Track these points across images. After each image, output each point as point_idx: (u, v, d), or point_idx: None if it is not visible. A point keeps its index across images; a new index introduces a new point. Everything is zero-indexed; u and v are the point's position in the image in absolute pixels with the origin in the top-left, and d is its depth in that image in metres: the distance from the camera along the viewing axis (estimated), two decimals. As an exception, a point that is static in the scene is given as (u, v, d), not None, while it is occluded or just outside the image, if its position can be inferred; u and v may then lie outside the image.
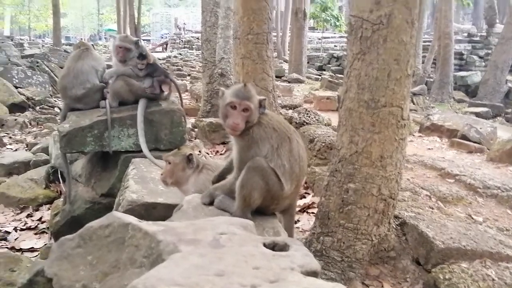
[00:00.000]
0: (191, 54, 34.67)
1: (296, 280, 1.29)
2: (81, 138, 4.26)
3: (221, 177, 2.78)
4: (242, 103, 2.40)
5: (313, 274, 1.43)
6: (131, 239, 1.64)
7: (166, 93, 4.76)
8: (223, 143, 7.73)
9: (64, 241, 1.73)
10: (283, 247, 1.58)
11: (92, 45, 4.88)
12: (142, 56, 4.57)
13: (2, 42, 22.06)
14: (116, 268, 1.57)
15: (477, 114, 13.37)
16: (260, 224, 2.27)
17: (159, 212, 3.25)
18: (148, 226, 1.67)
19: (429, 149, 7.87)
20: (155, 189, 3.54)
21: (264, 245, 1.59)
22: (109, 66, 4.98)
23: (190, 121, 8.53)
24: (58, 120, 10.75)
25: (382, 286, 3.32)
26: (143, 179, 3.65)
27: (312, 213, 4.62)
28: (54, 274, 1.60)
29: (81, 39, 69.13)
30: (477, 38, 25.03)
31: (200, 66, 21.66)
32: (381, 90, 3.21)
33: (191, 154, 3.09)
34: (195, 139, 7.93)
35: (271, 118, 2.56)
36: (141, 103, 4.45)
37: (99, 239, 1.69)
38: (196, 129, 8.38)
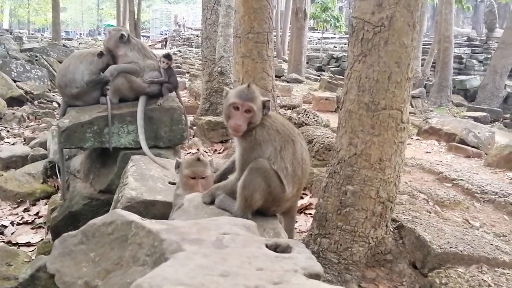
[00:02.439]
0: (190, 52, 34.62)
1: (300, 283, 1.28)
2: (80, 134, 4.24)
3: (223, 176, 2.77)
4: (245, 104, 2.38)
5: (316, 277, 1.43)
6: (134, 237, 1.64)
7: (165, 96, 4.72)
8: (222, 141, 7.73)
9: (66, 237, 1.72)
10: (285, 249, 1.59)
11: (101, 52, 4.74)
12: (169, 56, 4.58)
13: (1, 35, 21.96)
14: (118, 265, 1.57)
15: (476, 119, 13.39)
16: (261, 225, 2.27)
17: (158, 209, 3.25)
18: (151, 224, 1.68)
19: (427, 152, 7.90)
20: (154, 186, 3.54)
21: (267, 246, 1.59)
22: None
23: (189, 119, 8.52)
24: (57, 115, 10.75)
25: (378, 289, 3.33)
26: (142, 177, 3.65)
27: (310, 214, 4.62)
28: (57, 270, 1.60)
29: (80, 34, 69.13)
30: (477, 42, 25.10)
31: (199, 64, 21.65)
32: (381, 92, 3.21)
33: (212, 160, 2.99)
34: (193, 137, 7.93)
35: (274, 120, 2.54)
36: (141, 100, 4.45)
37: (102, 236, 1.69)
38: (194, 127, 8.38)
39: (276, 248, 1.59)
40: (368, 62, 3.23)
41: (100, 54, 4.62)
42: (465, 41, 25.77)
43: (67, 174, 4.96)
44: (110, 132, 4.30)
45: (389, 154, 3.30)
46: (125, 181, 3.55)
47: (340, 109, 3.54)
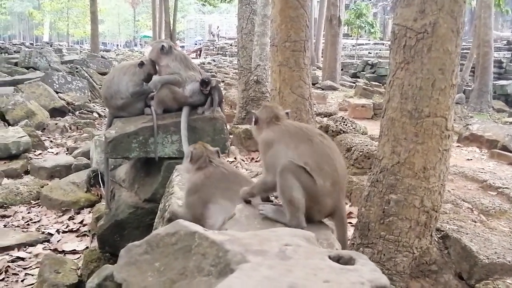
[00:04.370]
0: (224, 61, 34.95)
1: (368, 295, 1.28)
2: (126, 144, 4.33)
3: None
4: None
5: (383, 290, 1.43)
6: (198, 248, 1.67)
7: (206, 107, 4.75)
8: (258, 150, 7.73)
9: (131, 247, 1.77)
10: (348, 261, 1.58)
11: (142, 62, 4.79)
12: (206, 83, 4.62)
13: (42, 48, 22.69)
14: (183, 275, 1.60)
15: (518, 125, 12.97)
16: (314, 235, 2.28)
17: (203, 218, 3.29)
18: (214, 235, 1.71)
19: (468, 159, 7.73)
20: (198, 195, 3.57)
21: (329, 257, 1.59)
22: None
23: (226, 127, 8.58)
24: (97, 125, 11.04)
25: (424, 300, 3.27)
26: (187, 186, 3.70)
27: (350, 223, 4.58)
28: (124, 279, 1.64)
29: (118, 45, 70.90)
30: (517, 46, 24.43)
31: (233, 73, 21.83)
32: (425, 100, 3.18)
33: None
34: (230, 145, 7.99)
35: (286, 124, 2.68)
36: (185, 111, 4.51)
37: (166, 246, 1.73)
38: (231, 136, 8.44)
39: (338, 259, 1.59)
40: (411, 69, 3.21)
41: (141, 64, 4.73)
42: (505, 45, 25.12)
43: (111, 183, 5.07)
44: (156, 143, 4.39)
45: (434, 162, 3.26)
46: (171, 190, 3.60)
47: (382, 117, 3.51)
